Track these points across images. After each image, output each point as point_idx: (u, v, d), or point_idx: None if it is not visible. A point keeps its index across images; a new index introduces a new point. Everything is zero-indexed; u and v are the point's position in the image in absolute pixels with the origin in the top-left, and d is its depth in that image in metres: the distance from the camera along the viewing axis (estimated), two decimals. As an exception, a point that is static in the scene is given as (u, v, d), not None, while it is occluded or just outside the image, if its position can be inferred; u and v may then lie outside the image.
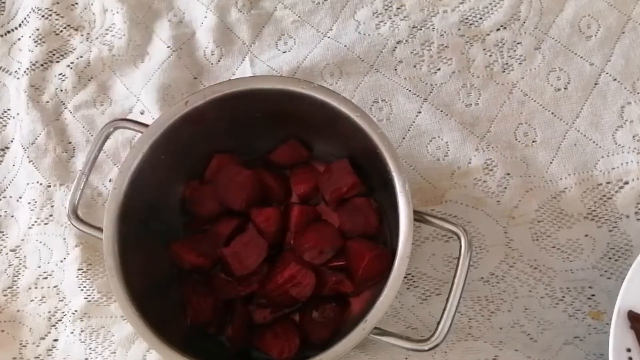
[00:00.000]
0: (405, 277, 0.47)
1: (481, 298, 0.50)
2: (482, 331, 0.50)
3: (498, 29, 0.55)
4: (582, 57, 0.53)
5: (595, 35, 0.53)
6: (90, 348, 0.52)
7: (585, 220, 0.50)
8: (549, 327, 0.49)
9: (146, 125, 0.46)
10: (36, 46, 0.61)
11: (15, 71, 0.62)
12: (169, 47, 0.58)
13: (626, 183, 0.50)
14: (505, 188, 0.51)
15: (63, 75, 0.60)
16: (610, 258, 0.50)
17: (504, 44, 0.54)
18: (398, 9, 0.57)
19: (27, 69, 0.60)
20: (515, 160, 0.52)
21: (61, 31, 0.61)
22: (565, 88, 0.53)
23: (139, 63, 0.59)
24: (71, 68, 0.60)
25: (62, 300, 0.54)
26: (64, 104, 0.59)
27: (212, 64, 0.58)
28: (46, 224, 0.56)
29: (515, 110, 0.53)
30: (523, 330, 0.50)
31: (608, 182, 0.51)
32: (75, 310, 0.53)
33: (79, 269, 0.54)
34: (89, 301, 0.53)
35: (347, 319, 0.48)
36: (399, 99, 0.54)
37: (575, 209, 0.51)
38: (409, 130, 0.54)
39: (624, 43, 0.53)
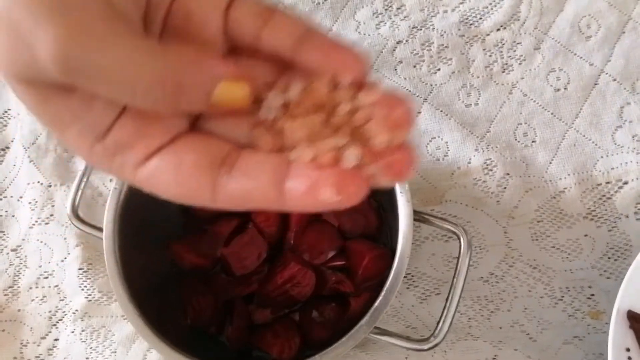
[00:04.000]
0: (405, 277, 0.47)
1: (481, 298, 0.51)
2: (482, 331, 0.50)
3: (498, 29, 0.55)
4: (581, 57, 0.53)
5: (595, 36, 0.53)
6: (91, 347, 0.52)
7: (584, 220, 0.50)
8: (548, 326, 0.49)
9: (146, 126, 0.46)
10: (37, 46, 0.61)
11: (16, 71, 0.62)
12: (169, 47, 0.58)
13: (625, 183, 0.50)
14: (505, 188, 0.51)
15: (63, 75, 0.60)
16: (609, 258, 0.50)
17: (503, 44, 0.54)
18: (398, 9, 0.57)
19: (28, 69, 0.60)
20: (515, 160, 0.52)
21: (62, 31, 0.61)
22: (565, 88, 0.53)
23: (140, 63, 0.59)
24: (72, 68, 0.60)
25: (62, 300, 0.54)
26: (64, 103, 0.59)
27: (212, 64, 0.58)
28: (47, 223, 0.56)
29: (515, 111, 0.53)
30: (522, 330, 0.50)
31: (607, 182, 0.51)
32: (76, 310, 0.53)
33: (79, 269, 0.54)
34: (90, 301, 0.53)
35: (347, 319, 0.48)
36: (399, 99, 0.54)
37: (575, 209, 0.51)
38: (408, 130, 0.54)
39: (624, 43, 0.53)
